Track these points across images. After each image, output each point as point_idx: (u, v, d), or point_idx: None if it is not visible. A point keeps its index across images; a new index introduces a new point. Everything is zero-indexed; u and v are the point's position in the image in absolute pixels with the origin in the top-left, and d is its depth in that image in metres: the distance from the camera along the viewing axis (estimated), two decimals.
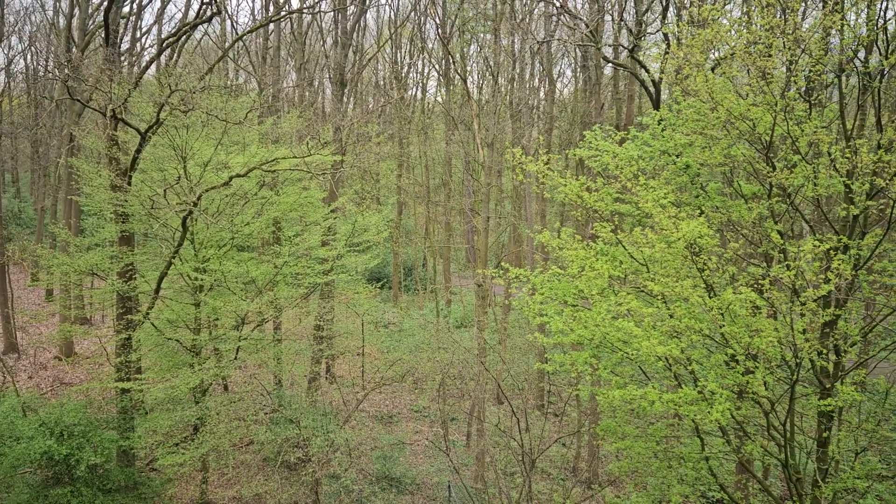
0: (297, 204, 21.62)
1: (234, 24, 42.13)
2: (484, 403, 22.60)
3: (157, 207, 17.51)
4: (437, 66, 44.72)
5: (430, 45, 46.78)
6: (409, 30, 44.84)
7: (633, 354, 10.05)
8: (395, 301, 43.48)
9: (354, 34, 30.77)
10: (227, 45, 29.56)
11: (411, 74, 49.88)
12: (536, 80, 40.55)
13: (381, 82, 51.24)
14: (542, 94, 41.80)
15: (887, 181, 10.09)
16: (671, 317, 10.21)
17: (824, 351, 10.65)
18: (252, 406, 19.42)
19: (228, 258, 19.94)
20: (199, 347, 19.04)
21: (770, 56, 10.36)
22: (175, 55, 21.32)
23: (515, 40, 29.93)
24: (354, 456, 20.32)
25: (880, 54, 10.65)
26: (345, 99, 29.36)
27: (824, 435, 11.60)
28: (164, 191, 17.02)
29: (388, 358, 29.46)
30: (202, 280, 18.64)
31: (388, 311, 40.46)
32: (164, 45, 19.56)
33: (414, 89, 50.58)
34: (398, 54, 46.07)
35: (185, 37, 19.92)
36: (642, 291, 11.44)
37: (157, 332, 18.85)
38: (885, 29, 10.79)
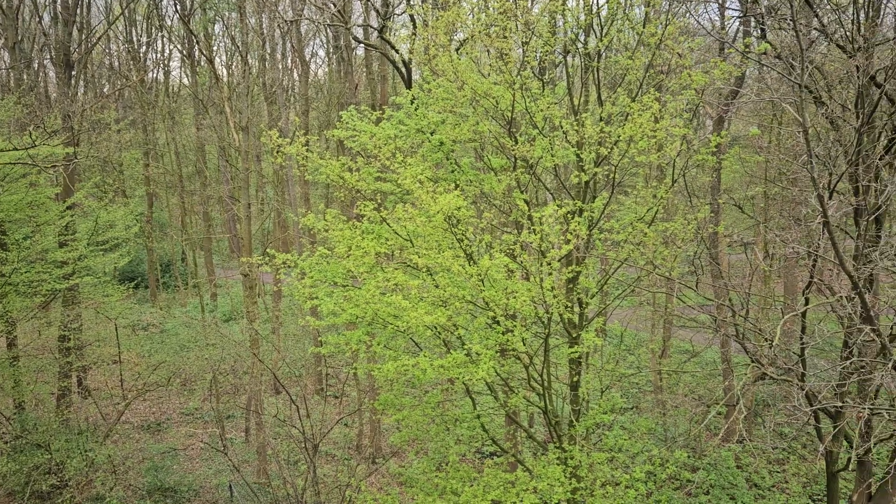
0: (24, 203, 19.09)
1: None
2: (261, 396, 21.96)
3: None
4: (179, 46, 41.82)
5: (170, 23, 43.55)
6: (144, 6, 41.25)
7: (403, 327, 10.37)
8: (153, 300, 40.37)
9: (78, 9, 27.57)
10: None
11: (150, 55, 46.10)
12: (289, 60, 39.66)
13: (117, 64, 46.70)
14: (296, 75, 41.02)
15: (609, 150, 11.42)
16: (437, 287, 10.69)
17: (570, 304, 11.86)
18: None
19: None
20: None
21: (506, 38, 11.15)
22: None
23: (263, 19, 28.94)
24: (120, 472, 18.67)
25: (596, 36, 11.97)
26: (73, 83, 26.27)
27: (575, 379, 12.98)
28: None
29: (150, 362, 27.38)
30: None
31: (146, 312, 37.49)
32: None
33: (155, 71, 46.83)
34: (133, 32, 42.25)
35: None
36: (409, 266, 11.83)
37: None
38: (599, 14, 12.15)
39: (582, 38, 12.71)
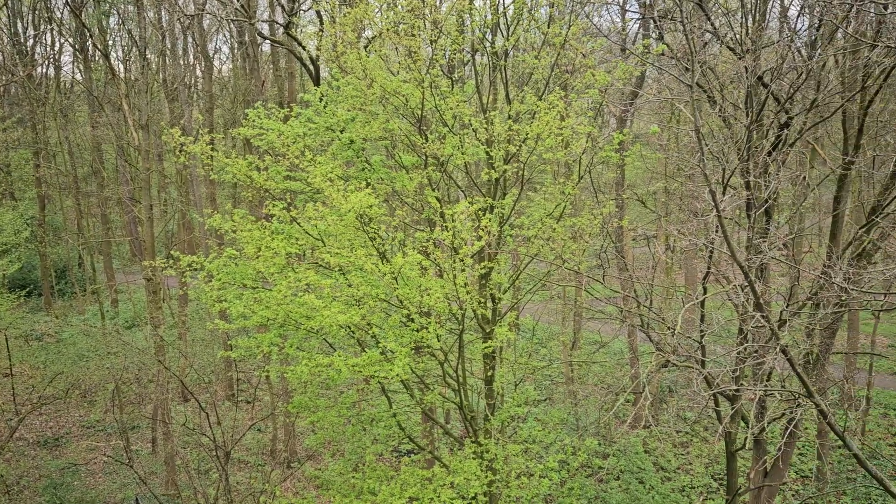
0: None
1: None
2: (168, 404, 21.14)
3: None
4: (70, 40, 39.60)
5: (59, 15, 41.16)
6: None
7: (317, 327, 10.22)
8: (48, 309, 38.08)
9: None
10: None
11: (39, 49, 43.40)
12: (191, 56, 38.27)
13: (1, 58, 43.75)
14: (199, 71, 39.63)
15: (518, 147, 11.64)
16: (350, 286, 10.60)
17: (483, 300, 12.02)
18: None
19: None
20: None
21: (414, 36, 11.17)
22: None
23: (163, 13, 27.82)
24: (14, 492, 17.54)
25: (503, 36, 12.17)
26: None
27: (489, 374, 13.17)
28: None
29: (46, 374, 25.84)
30: None
31: (40, 321, 35.35)
32: None
33: (45, 66, 44.14)
34: (19, 24, 39.67)
35: None
36: (321, 266, 11.67)
37: None
38: (506, 14, 12.35)
39: (489, 38, 12.89)
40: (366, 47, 14.06)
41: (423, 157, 11.88)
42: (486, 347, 12.32)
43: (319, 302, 10.00)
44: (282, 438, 23.22)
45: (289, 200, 11.35)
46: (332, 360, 9.95)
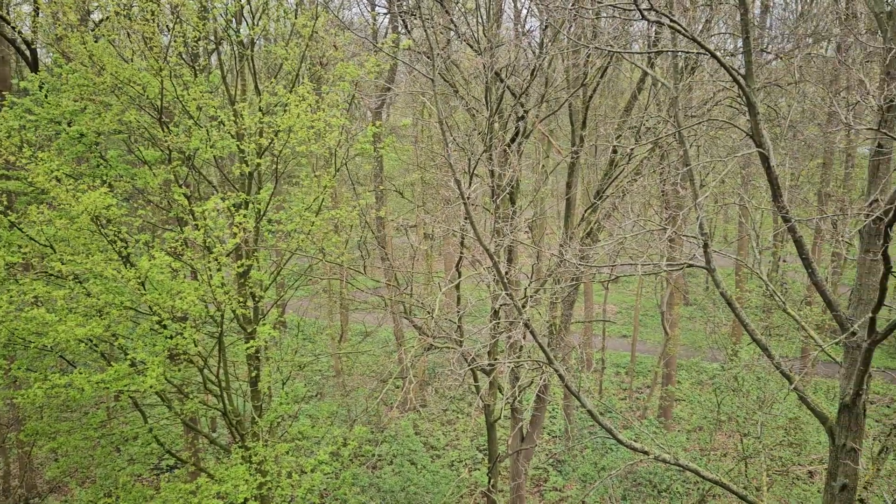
0: None
1: None
2: None
3: None
4: None
5: None
6: None
7: (51, 343, 9.13)
8: None
9: None
10: None
11: None
12: None
13: None
14: None
15: (270, 140, 11.35)
16: (89, 296, 9.60)
17: (243, 300, 11.57)
18: None
19: None
20: None
21: (150, 21, 10.35)
22: None
23: None
24: None
25: (247, 25, 11.76)
26: None
27: (254, 375, 12.75)
28: None
29: None
30: None
31: None
32: None
33: None
34: None
35: None
36: (52, 275, 10.43)
37: None
38: (250, 2, 11.94)
39: (234, 26, 12.38)
40: (93, 30, 12.73)
41: (167, 152, 11.10)
42: (248, 348, 11.90)
43: (52, 316, 8.94)
44: (16, 473, 20.45)
45: (6, 203, 9.92)
46: (72, 379, 8.97)
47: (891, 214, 6.69)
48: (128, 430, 12.16)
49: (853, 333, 8.35)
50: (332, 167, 12.97)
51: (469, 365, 11.09)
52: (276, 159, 11.86)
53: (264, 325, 12.42)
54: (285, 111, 11.28)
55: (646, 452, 8.96)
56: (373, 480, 20.36)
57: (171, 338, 10.04)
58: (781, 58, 18.25)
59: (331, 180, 12.54)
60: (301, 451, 14.16)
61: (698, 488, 19.92)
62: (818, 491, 18.26)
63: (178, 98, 10.54)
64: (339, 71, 11.91)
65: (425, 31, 8.70)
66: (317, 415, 17.12)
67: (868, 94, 8.11)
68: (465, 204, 8.48)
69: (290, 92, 11.37)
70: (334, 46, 12.73)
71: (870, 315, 7.61)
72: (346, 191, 20.72)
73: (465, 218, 9.04)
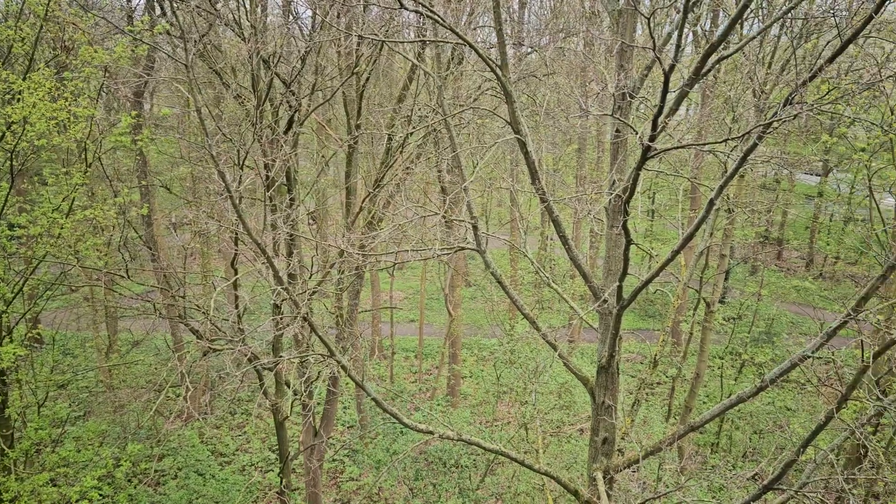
0: None
1: None
2: None
3: None
4: None
5: None
6: None
7: None
8: None
9: None
10: None
11: None
12: None
13: None
14: None
15: (1, 134, 9.96)
16: None
17: None
18: None
19: None
20: None
21: None
22: None
23: None
24: None
25: None
26: None
27: (1, 400, 11.19)
28: None
29: None
30: None
31: None
32: None
33: None
34: None
35: None
36: None
37: None
38: None
39: None
40: None
41: None
42: None
43: None
44: None
45: None
46: None
47: (628, 192, 7.47)
48: None
49: (605, 301, 9.26)
50: (83, 163, 11.72)
51: (249, 364, 10.66)
52: (11, 155, 10.44)
53: (11, 342, 10.96)
54: (19, 100, 9.95)
55: (430, 433, 9.23)
56: (154, 499, 18.92)
57: None
58: (536, 51, 19.73)
59: (83, 177, 11.33)
60: (66, 479, 12.71)
61: (486, 459, 21.07)
62: (586, 446, 20.23)
63: None
64: (85, 55, 10.75)
65: (174, 12, 8.08)
66: (84, 437, 15.46)
67: (606, 85, 8.98)
68: (230, 197, 8.06)
69: (24, 79, 10.05)
70: (73, 25, 11.46)
71: (617, 283, 8.48)
72: (105, 188, 18.84)
73: (234, 212, 8.60)
